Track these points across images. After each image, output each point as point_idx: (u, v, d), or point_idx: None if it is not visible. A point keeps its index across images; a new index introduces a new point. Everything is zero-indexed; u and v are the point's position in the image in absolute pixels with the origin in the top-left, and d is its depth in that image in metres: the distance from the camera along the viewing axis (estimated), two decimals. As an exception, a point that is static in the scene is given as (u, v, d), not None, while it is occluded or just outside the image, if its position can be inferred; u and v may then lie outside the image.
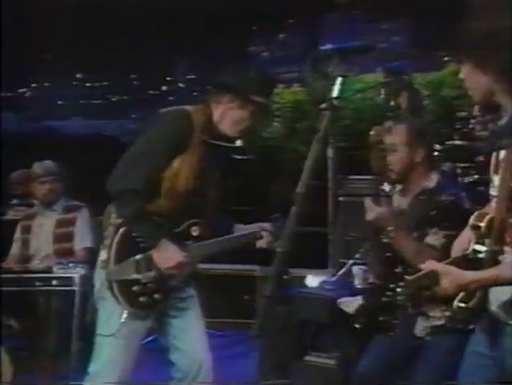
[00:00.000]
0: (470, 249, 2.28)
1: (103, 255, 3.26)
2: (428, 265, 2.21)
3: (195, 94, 9.78)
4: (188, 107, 3.31)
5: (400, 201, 3.59)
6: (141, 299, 3.19)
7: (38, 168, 5.19)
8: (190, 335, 3.38)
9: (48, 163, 5.18)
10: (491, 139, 4.07)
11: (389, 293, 3.08)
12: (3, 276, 4.73)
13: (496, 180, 2.24)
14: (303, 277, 4.73)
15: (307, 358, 4.38)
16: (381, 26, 8.95)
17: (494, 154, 2.29)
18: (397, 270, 3.34)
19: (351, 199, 5.26)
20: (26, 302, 4.74)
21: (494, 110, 2.31)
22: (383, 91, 4.86)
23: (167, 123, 3.26)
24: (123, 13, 8.06)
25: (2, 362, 4.33)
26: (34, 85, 9.59)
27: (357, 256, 4.74)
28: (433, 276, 2.17)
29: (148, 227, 3.20)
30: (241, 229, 3.46)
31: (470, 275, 2.15)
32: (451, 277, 2.16)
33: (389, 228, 3.36)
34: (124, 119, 9.05)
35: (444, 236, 3.26)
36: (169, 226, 3.24)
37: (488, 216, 2.23)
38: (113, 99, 9.21)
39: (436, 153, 4.29)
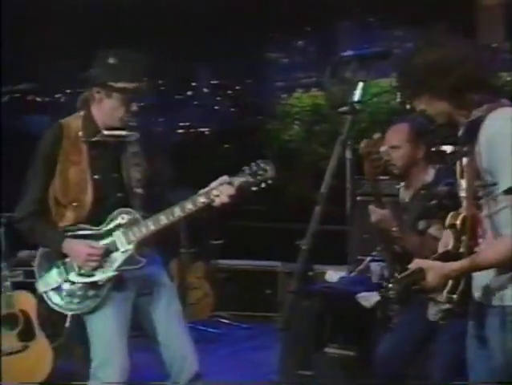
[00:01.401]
0: (450, 246, 2.44)
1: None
2: (415, 264, 2.39)
3: (218, 98, 9.76)
4: (63, 119, 3.23)
5: (404, 195, 3.67)
6: (75, 300, 3.15)
7: None
8: (170, 328, 3.25)
9: None
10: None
11: (381, 289, 3.12)
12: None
13: (463, 183, 2.42)
14: (324, 273, 4.72)
15: (327, 349, 4.37)
16: (394, 32, 8.89)
17: (458, 161, 2.46)
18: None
19: (369, 198, 5.23)
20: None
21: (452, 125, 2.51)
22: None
23: (40, 142, 3.22)
24: (153, 21, 8.09)
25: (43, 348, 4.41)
26: (68, 91, 9.64)
27: (375, 253, 4.73)
28: (420, 272, 2.35)
29: (43, 233, 3.18)
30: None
31: (451, 265, 2.34)
32: (434, 270, 2.34)
33: (393, 229, 3.38)
34: (151, 123, 9.08)
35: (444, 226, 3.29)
36: (94, 227, 3.17)
37: (461, 216, 2.42)
38: (140, 104, 9.20)
39: (448, 155, 4.27)
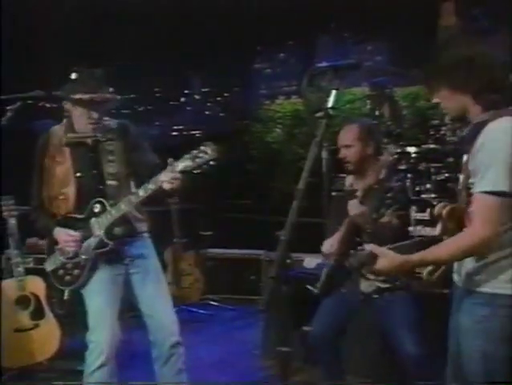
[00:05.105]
0: (437, 233, 2.38)
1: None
2: (367, 247, 2.32)
3: (209, 104, 9.76)
4: (52, 128, 3.46)
5: (352, 186, 3.77)
6: (66, 278, 3.38)
7: None
8: (155, 301, 3.39)
9: None
10: (459, 144, 4.11)
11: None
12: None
13: (460, 177, 2.36)
14: (302, 261, 4.74)
15: (305, 328, 4.39)
16: (367, 47, 8.92)
17: (464, 157, 2.36)
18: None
19: (342, 194, 5.24)
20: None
21: (463, 119, 2.37)
22: (369, 103, 4.84)
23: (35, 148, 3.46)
24: (150, 35, 8.06)
25: (52, 326, 4.43)
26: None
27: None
28: (368, 256, 2.28)
29: (41, 224, 3.44)
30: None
31: (407, 257, 2.25)
32: (387, 258, 2.26)
33: (366, 225, 3.42)
34: (149, 126, 9.08)
35: (396, 217, 3.36)
36: (78, 216, 3.35)
37: (448, 207, 2.33)
38: (140, 109, 9.22)
39: (413, 155, 4.29)
